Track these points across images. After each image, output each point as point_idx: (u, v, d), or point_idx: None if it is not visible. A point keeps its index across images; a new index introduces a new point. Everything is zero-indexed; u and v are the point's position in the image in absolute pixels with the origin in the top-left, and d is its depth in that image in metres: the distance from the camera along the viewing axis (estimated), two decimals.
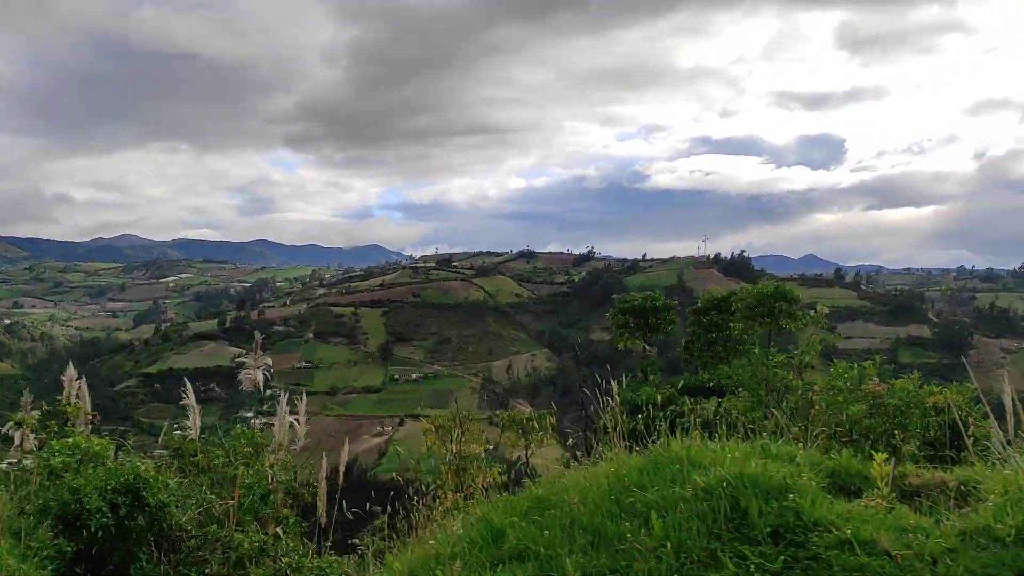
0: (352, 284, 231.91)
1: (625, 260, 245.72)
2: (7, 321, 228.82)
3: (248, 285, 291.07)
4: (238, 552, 5.99)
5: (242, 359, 7.54)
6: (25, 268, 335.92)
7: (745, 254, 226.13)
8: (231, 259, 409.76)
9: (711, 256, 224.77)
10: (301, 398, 7.44)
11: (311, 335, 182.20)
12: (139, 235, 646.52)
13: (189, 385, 7.59)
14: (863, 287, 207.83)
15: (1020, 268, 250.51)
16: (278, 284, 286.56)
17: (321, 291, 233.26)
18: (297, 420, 7.23)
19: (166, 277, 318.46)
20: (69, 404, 7.47)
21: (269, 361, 7.51)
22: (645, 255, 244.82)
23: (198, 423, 7.37)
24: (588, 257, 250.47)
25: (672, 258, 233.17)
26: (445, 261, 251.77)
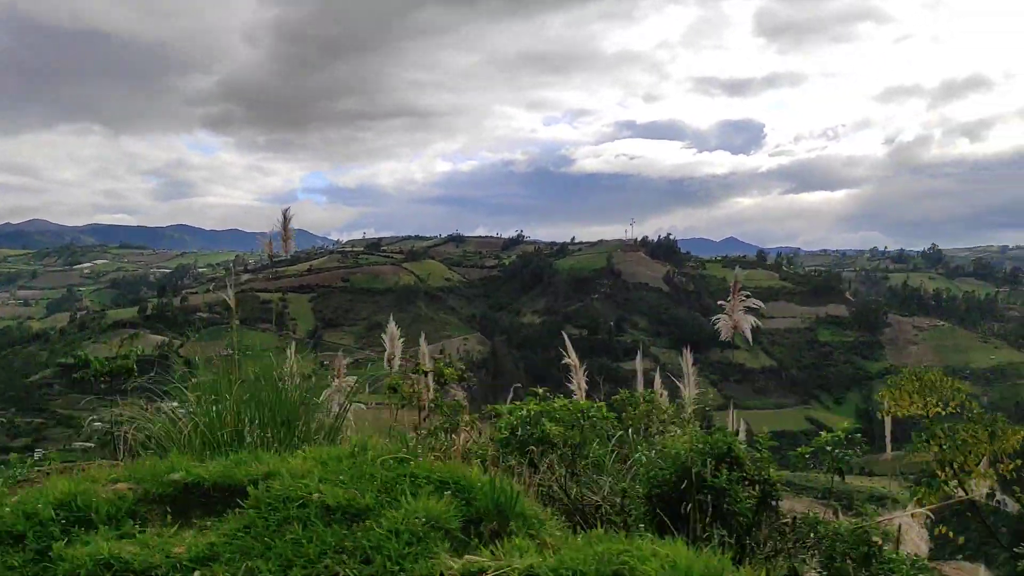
0: (279, 269, 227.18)
1: (554, 243, 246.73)
2: None
3: (168, 271, 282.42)
4: (865, 546, 4.82)
5: (722, 302, 5.68)
6: None
7: (671, 237, 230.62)
8: (149, 244, 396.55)
9: (638, 239, 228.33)
10: (688, 351, 5.98)
11: (237, 321, 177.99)
12: (50, 220, 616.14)
13: (567, 338, 6.55)
14: (784, 268, 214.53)
15: (929, 249, 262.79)
16: (200, 270, 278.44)
17: (246, 276, 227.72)
18: (679, 381, 5.71)
19: (80, 263, 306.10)
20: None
21: (759, 304, 5.43)
22: (574, 238, 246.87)
23: (582, 384, 6.24)
24: (517, 241, 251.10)
25: (600, 241, 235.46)
26: (374, 245, 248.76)
